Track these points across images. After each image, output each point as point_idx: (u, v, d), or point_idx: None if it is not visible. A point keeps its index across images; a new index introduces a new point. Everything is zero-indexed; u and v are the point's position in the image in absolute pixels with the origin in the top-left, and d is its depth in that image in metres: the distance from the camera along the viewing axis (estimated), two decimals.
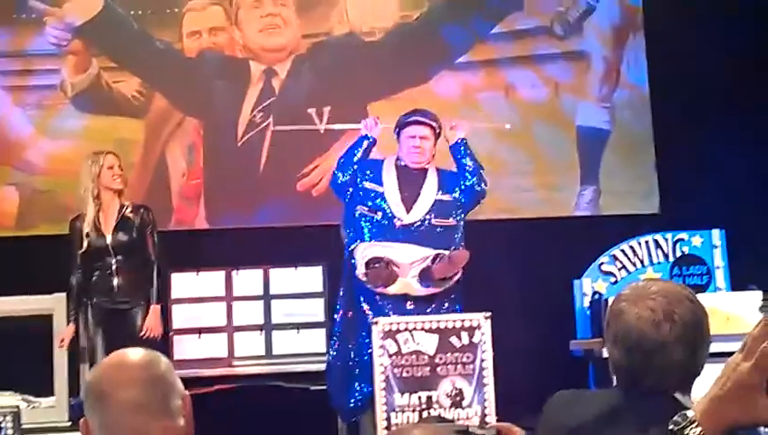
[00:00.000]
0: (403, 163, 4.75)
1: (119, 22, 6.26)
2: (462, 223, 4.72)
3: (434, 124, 4.76)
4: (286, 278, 5.39)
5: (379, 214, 4.63)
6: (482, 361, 4.19)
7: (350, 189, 4.70)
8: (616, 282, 5.06)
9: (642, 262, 5.16)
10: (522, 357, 5.33)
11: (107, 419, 1.59)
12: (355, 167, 4.71)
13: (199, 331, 5.32)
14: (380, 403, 4.17)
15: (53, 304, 4.94)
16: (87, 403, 1.62)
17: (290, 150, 6.17)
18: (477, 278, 4.74)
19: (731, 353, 1.27)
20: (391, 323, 4.30)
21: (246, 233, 6.00)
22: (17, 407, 3.70)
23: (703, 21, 5.97)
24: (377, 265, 4.55)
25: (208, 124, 6.26)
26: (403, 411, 4.15)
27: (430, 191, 4.68)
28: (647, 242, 5.18)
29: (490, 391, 4.17)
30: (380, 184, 4.68)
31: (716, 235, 5.16)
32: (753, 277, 4.82)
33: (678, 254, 5.16)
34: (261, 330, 5.34)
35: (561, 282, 5.25)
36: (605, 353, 4.30)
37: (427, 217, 4.62)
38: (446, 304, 4.60)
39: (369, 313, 4.54)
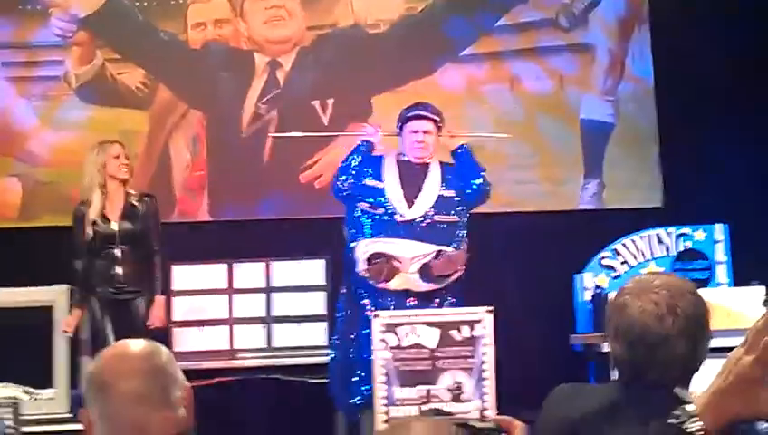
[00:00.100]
0: (405, 158, 4.72)
1: (124, 13, 6.26)
2: (465, 219, 4.70)
3: (436, 118, 4.73)
4: (288, 271, 5.39)
5: (381, 210, 4.61)
6: (482, 355, 4.18)
7: (351, 190, 4.67)
8: (617, 276, 5.05)
9: (644, 256, 5.15)
10: (522, 351, 5.34)
11: (108, 409, 1.59)
12: (353, 172, 4.68)
13: (200, 323, 5.33)
14: (380, 396, 4.16)
15: (54, 295, 4.95)
16: (88, 394, 1.63)
17: (293, 143, 6.15)
18: (479, 272, 4.73)
19: (732, 349, 1.26)
20: (392, 317, 4.29)
21: (249, 225, 6.00)
22: (17, 398, 3.70)
23: (706, 17, 5.95)
24: (378, 260, 4.54)
25: (212, 116, 6.25)
26: (403, 405, 4.15)
27: (433, 186, 4.66)
28: (649, 236, 5.17)
29: (490, 386, 4.16)
30: (381, 180, 4.66)
31: (719, 230, 5.14)
32: (755, 273, 4.81)
33: (681, 248, 5.15)
34: (262, 323, 5.34)
35: (563, 276, 5.24)
36: (605, 348, 4.31)
37: (429, 212, 4.60)
38: (447, 304, 4.58)
39: (371, 307, 4.52)
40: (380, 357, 4.20)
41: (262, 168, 6.18)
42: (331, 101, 6.16)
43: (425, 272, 4.54)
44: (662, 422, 1.29)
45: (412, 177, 4.66)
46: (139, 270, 4.89)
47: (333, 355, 4.71)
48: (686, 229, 5.17)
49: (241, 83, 6.25)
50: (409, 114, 4.72)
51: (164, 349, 1.67)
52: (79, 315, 4.85)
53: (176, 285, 5.29)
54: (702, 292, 1.87)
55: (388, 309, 4.47)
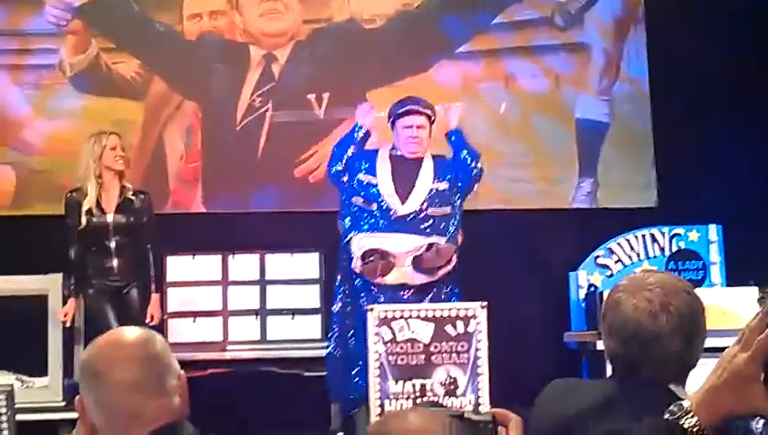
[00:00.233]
0: (398, 153, 4.71)
1: (119, 3, 6.24)
2: (459, 210, 4.70)
3: (428, 112, 4.73)
4: (282, 264, 5.39)
5: (375, 205, 4.61)
6: (477, 350, 4.19)
7: (346, 179, 4.68)
8: (611, 275, 5.07)
9: (638, 255, 5.16)
10: (516, 348, 5.35)
11: (102, 397, 1.59)
12: (350, 154, 4.67)
13: (194, 314, 5.32)
14: (374, 390, 4.17)
15: (48, 284, 4.93)
16: (82, 381, 1.63)
17: (288, 136, 6.15)
18: (473, 268, 4.74)
19: (726, 349, 1.27)
20: (387, 311, 4.29)
21: (243, 217, 5.99)
22: (11, 386, 3.69)
23: (702, 16, 5.96)
24: (371, 258, 4.54)
25: (207, 108, 6.24)
26: (397, 399, 4.16)
27: (426, 180, 4.66)
28: (643, 236, 5.18)
29: (484, 381, 4.18)
30: (375, 175, 4.65)
31: (713, 230, 5.16)
32: (749, 273, 4.83)
33: (675, 248, 5.16)
34: (256, 315, 5.34)
35: (557, 274, 5.26)
36: (599, 346, 4.33)
37: (423, 207, 4.60)
38: (443, 295, 4.58)
39: (368, 300, 4.53)
40: (375, 351, 4.21)
41: (256, 161, 6.17)
42: (326, 96, 6.16)
43: (415, 264, 4.54)
44: (656, 418, 1.29)
45: (405, 172, 4.66)
46: (132, 262, 4.89)
47: (331, 348, 4.70)
48: (679, 229, 5.18)
49: (236, 76, 6.23)
50: (401, 109, 4.71)
51: (159, 337, 1.67)
52: (75, 304, 4.84)
53: (170, 276, 5.29)
54: (697, 292, 1.87)
55: (385, 302, 4.47)
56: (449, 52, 6.30)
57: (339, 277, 4.74)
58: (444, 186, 4.65)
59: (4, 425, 3.47)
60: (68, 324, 4.85)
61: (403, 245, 4.56)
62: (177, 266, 5.34)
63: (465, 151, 4.71)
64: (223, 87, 6.23)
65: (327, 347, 4.75)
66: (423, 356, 4.19)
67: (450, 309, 4.31)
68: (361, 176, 4.66)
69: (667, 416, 1.27)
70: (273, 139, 6.15)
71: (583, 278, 5.07)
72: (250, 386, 5.29)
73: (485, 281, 5.08)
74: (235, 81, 6.23)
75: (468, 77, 6.29)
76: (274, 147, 6.16)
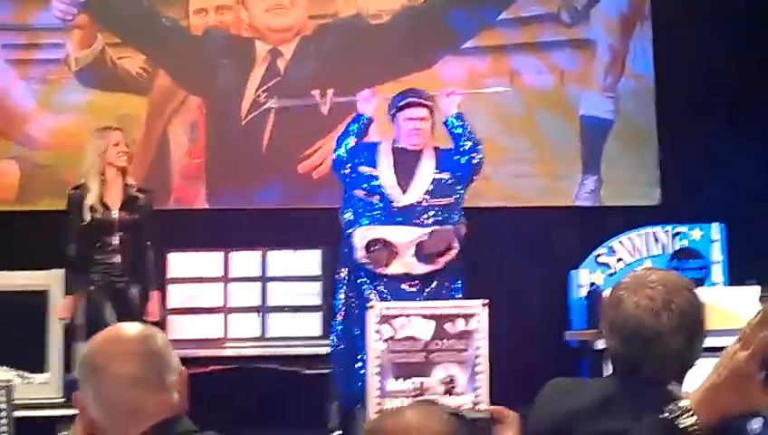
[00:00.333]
0: (400, 145, 4.71)
1: None
2: (461, 200, 4.69)
3: (430, 104, 4.72)
4: (284, 261, 5.39)
5: (376, 197, 4.62)
6: (477, 348, 4.18)
7: (348, 170, 4.67)
8: (613, 273, 5.06)
9: (640, 254, 5.15)
10: (517, 346, 5.34)
11: (101, 392, 1.59)
12: (352, 145, 4.67)
13: (195, 311, 5.32)
14: (373, 388, 4.16)
15: (49, 279, 4.94)
16: (82, 376, 1.63)
17: (292, 132, 6.15)
18: (475, 265, 4.73)
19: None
20: (388, 308, 4.28)
21: (245, 214, 5.99)
22: (10, 382, 3.69)
23: (707, 14, 5.95)
24: (376, 247, 4.55)
25: (212, 103, 6.24)
26: (396, 397, 4.15)
27: (427, 171, 4.65)
28: (645, 234, 5.17)
29: (484, 380, 4.16)
30: (376, 167, 4.65)
31: (715, 229, 5.15)
32: (751, 272, 4.82)
33: (677, 247, 5.15)
34: (257, 312, 5.34)
35: (559, 272, 5.25)
36: (600, 345, 4.32)
37: (424, 197, 4.60)
38: (444, 290, 4.58)
39: (371, 292, 4.52)
40: (374, 348, 4.20)
41: (260, 156, 6.17)
42: (331, 91, 6.15)
43: (419, 253, 4.54)
44: (655, 417, 1.29)
45: (406, 163, 4.66)
46: (134, 260, 4.89)
47: (335, 342, 4.69)
48: (682, 228, 5.17)
49: (241, 71, 6.23)
50: (403, 102, 4.70)
51: (159, 333, 1.67)
52: (74, 300, 4.84)
53: (171, 272, 5.28)
54: (698, 291, 1.86)
55: (386, 298, 4.47)
56: (455, 47, 6.30)
57: (340, 271, 4.73)
58: (446, 176, 4.65)
59: (3, 420, 3.47)
60: (68, 321, 4.84)
61: (405, 235, 4.56)
62: (179, 263, 5.34)
63: (465, 140, 4.68)
64: (228, 82, 6.23)
65: (330, 342, 4.74)
66: (423, 354, 4.18)
67: (451, 307, 4.29)
68: (362, 168, 4.66)
69: (666, 415, 1.27)
70: (278, 135, 6.15)
71: (584, 277, 5.06)
72: (250, 383, 5.29)
73: (487, 278, 5.07)
74: (240, 76, 6.23)
75: (473, 73, 6.29)
76: (278, 143, 6.16)
